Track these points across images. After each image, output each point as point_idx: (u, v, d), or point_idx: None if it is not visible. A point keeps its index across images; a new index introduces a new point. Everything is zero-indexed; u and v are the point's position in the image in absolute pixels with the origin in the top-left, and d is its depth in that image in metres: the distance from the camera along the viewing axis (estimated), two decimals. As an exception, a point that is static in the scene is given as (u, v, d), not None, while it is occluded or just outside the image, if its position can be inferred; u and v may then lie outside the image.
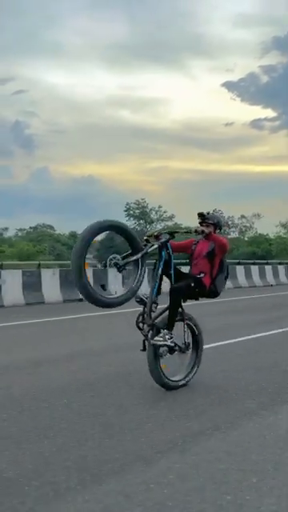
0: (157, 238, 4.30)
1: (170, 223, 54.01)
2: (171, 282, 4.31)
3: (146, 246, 4.19)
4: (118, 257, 4.09)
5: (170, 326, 4.21)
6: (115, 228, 4.10)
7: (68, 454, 2.87)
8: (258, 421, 3.50)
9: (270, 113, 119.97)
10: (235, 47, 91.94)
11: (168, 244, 4.30)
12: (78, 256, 3.72)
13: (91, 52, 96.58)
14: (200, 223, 4.46)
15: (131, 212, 56.53)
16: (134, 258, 4.07)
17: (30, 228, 62.46)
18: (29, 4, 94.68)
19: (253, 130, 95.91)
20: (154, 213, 56.83)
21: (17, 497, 2.38)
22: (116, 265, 4.00)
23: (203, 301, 4.64)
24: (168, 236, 4.32)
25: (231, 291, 14.26)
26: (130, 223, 54.62)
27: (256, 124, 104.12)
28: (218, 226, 4.56)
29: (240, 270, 17.80)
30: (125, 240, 4.15)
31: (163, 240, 4.26)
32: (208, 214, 4.52)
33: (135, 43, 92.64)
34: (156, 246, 4.21)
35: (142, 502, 2.34)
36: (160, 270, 4.24)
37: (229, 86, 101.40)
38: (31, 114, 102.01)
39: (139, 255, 4.07)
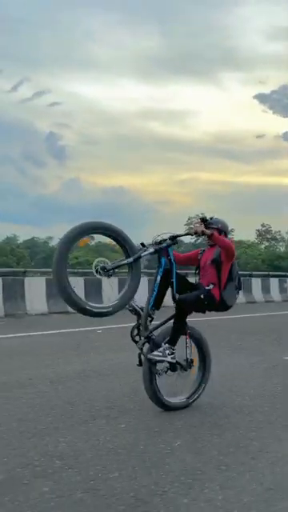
0: (159, 244, 3.92)
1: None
2: (172, 291, 3.85)
3: (140, 250, 3.80)
4: (107, 260, 3.69)
5: (172, 341, 3.73)
6: (105, 229, 3.64)
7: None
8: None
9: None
10: (268, 59, 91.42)
11: (169, 250, 3.88)
12: (59, 262, 3.39)
13: (123, 65, 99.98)
14: (202, 229, 4.07)
15: (192, 226, 58.92)
16: (125, 261, 3.64)
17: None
18: (64, 18, 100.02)
19: (285, 143, 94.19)
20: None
21: None
22: (103, 269, 3.54)
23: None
24: (169, 241, 3.92)
25: None
26: (191, 236, 56.94)
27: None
28: (222, 230, 4.14)
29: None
30: (117, 244, 3.78)
31: (162, 245, 3.85)
32: (211, 218, 4.14)
33: (167, 56, 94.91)
34: (151, 250, 3.75)
35: None
36: (159, 278, 3.81)
37: (261, 98, 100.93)
38: (64, 126, 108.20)
39: (131, 259, 3.64)
